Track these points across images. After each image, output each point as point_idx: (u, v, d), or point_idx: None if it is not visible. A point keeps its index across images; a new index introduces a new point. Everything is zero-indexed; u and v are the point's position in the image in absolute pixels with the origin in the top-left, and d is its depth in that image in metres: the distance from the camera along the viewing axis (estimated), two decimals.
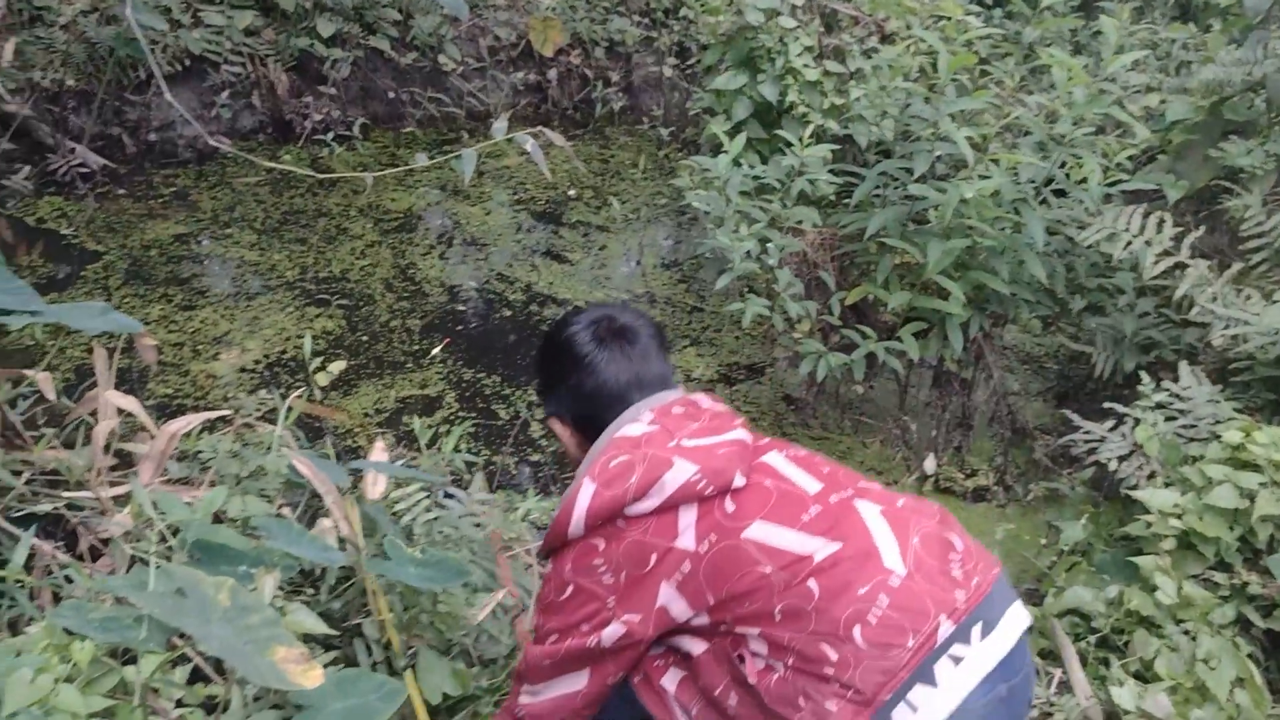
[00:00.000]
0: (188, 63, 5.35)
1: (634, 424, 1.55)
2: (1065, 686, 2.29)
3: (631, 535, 1.43)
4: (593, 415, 1.62)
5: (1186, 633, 2.27)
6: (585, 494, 1.46)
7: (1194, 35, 5.08)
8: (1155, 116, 4.47)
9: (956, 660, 1.32)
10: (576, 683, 1.52)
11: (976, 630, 1.35)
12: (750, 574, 1.38)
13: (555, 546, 1.52)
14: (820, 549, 1.38)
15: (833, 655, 1.31)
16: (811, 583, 1.36)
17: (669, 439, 1.49)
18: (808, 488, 1.47)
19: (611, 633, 1.45)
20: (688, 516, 1.43)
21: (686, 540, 1.42)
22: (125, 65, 5.20)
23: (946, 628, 1.32)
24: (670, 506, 1.43)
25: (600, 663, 1.49)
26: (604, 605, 1.45)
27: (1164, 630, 2.29)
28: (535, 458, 3.54)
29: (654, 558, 1.42)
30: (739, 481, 1.46)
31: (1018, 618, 1.42)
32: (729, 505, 1.44)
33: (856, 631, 1.31)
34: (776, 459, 1.53)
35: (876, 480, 1.58)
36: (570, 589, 1.48)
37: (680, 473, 1.42)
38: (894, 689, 1.29)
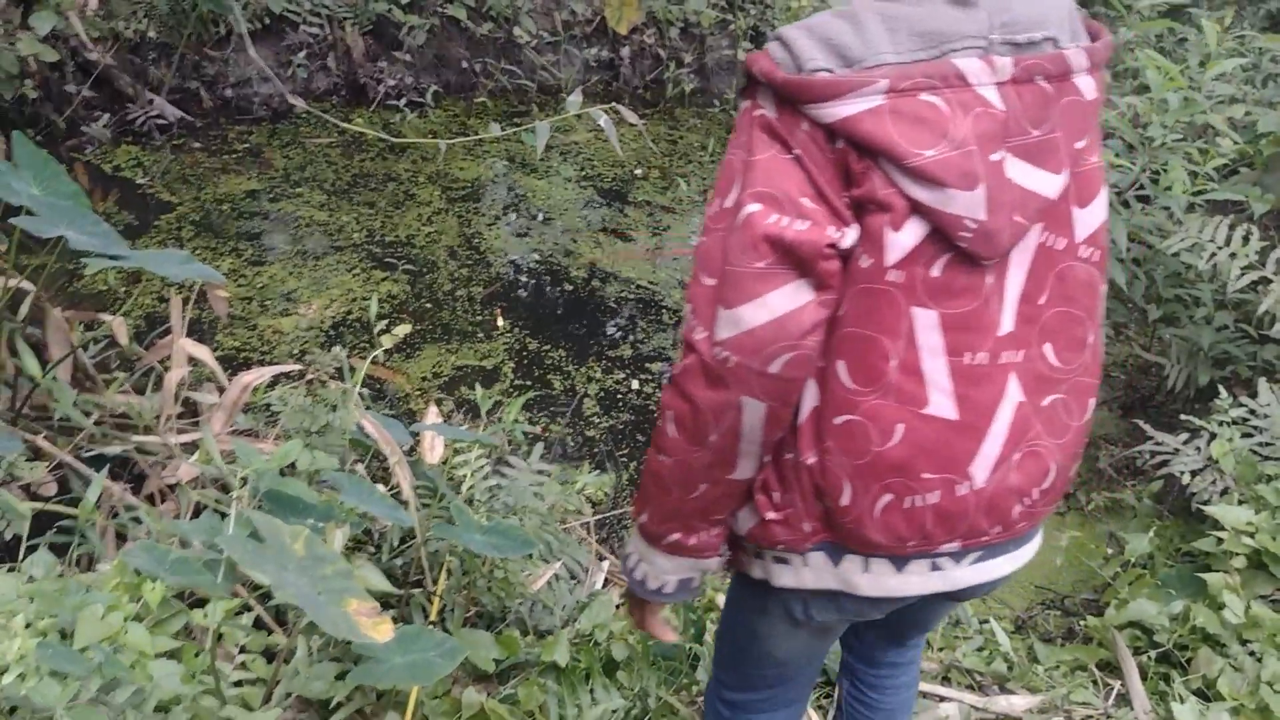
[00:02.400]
0: (267, 21, 5.39)
1: None
2: (1123, 699, 2.25)
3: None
4: None
5: (1252, 653, 2.22)
6: None
7: None
8: (1241, 128, 4.36)
9: (935, 566, 1.23)
10: None
11: (973, 556, 1.24)
12: (877, 346, 1.11)
13: None
14: (939, 402, 1.13)
15: (845, 500, 1.16)
16: (900, 427, 1.13)
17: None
18: (1002, 324, 1.14)
19: None
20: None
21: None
22: (206, 20, 5.26)
23: (953, 546, 1.20)
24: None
25: None
26: None
27: (1229, 649, 2.24)
28: (590, 433, 3.54)
29: None
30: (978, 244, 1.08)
31: (1016, 559, 1.29)
32: (936, 269, 1.09)
33: (882, 501, 1.15)
34: (1022, 254, 1.14)
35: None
36: None
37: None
38: (865, 553, 1.21)
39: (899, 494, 1.15)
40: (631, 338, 4.12)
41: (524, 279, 4.45)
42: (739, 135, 1.11)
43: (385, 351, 3.72)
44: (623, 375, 3.87)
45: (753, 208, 1.05)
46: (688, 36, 6.67)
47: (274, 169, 4.96)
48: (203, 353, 2.61)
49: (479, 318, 4.09)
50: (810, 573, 1.24)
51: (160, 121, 5.04)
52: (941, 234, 1.07)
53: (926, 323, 1.10)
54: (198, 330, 3.67)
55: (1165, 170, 3.15)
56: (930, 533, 1.17)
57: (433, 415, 3.08)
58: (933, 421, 1.12)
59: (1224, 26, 3.39)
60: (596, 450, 3.46)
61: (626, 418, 3.64)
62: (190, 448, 2.56)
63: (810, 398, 1.16)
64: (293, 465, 2.03)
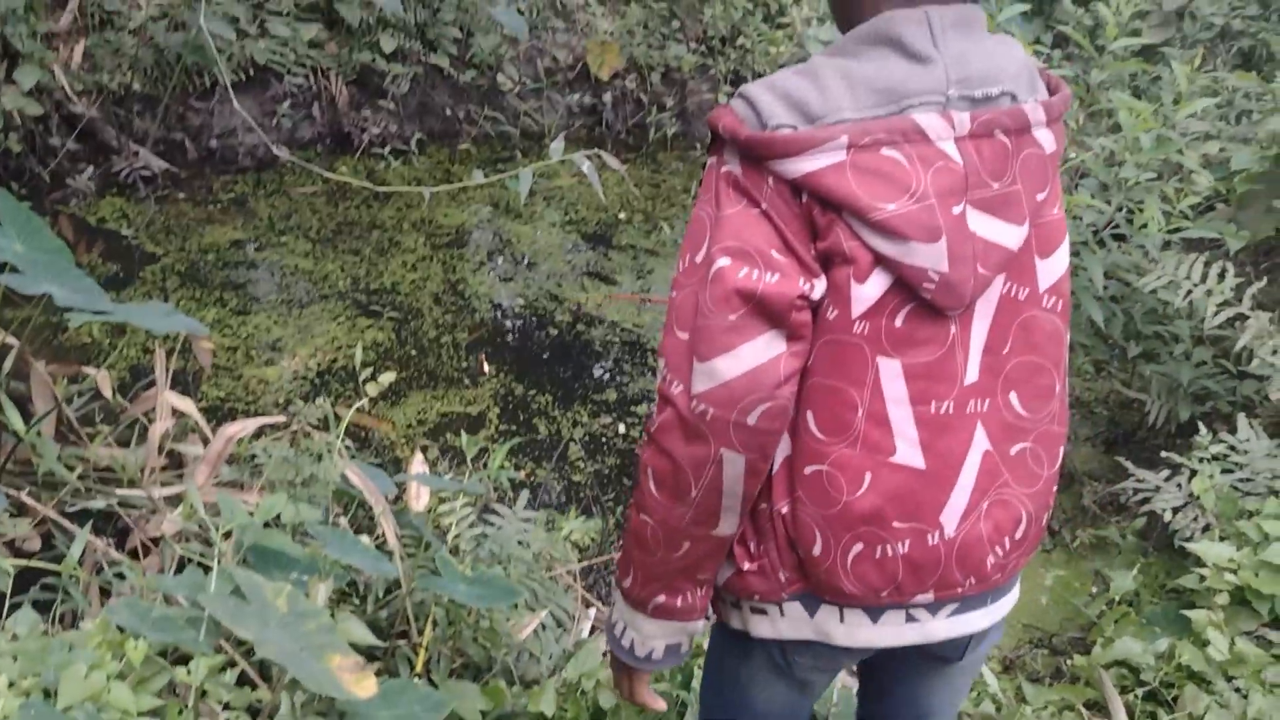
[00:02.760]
0: (252, 72, 5.44)
1: (905, 49, 1.08)
2: None
3: None
4: None
5: (1238, 690, 2.23)
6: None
7: (1258, 84, 5.04)
8: (1215, 164, 4.43)
9: (910, 617, 1.23)
10: None
11: (948, 609, 1.24)
12: (844, 396, 1.13)
13: None
14: (906, 451, 1.13)
15: (817, 550, 1.17)
16: (868, 476, 1.13)
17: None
18: (968, 374, 1.14)
19: None
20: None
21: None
22: (191, 72, 5.30)
23: (927, 597, 1.20)
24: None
25: None
26: None
27: (1215, 686, 2.25)
28: (576, 478, 3.55)
29: None
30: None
31: (992, 613, 1.29)
32: (899, 320, 1.11)
33: (854, 550, 1.16)
34: (986, 304, 1.15)
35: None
36: None
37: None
38: (840, 603, 1.21)
39: (870, 543, 1.16)
40: (617, 381, 4.14)
41: (509, 324, 4.47)
42: (706, 191, 1.13)
43: (370, 399, 3.73)
44: (609, 419, 3.88)
45: (723, 262, 1.07)
46: (669, 81, 6.75)
47: (259, 218, 4.98)
48: (186, 405, 2.62)
49: (464, 364, 4.10)
50: (787, 623, 1.24)
51: (145, 173, 5.07)
52: (905, 285, 1.08)
53: (891, 372, 1.11)
54: (183, 380, 3.67)
55: (1140, 209, 3.19)
56: (902, 583, 1.18)
57: (418, 463, 3.08)
58: (900, 470, 1.14)
59: (1195, 66, 3.45)
60: (583, 495, 3.46)
61: (612, 462, 3.65)
62: (175, 500, 2.55)
63: (783, 447, 1.17)
64: (277, 517, 2.04)
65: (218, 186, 5.23)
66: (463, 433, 3.36)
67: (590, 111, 6.72)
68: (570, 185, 5.83)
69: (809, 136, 1.04)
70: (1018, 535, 1.22)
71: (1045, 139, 1.15)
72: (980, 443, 1.17)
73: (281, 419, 2.65)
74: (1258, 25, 6.62)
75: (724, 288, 1.06)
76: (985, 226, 1.10)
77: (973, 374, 1.16)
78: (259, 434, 2.87)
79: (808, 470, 1.15)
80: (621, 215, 5.60)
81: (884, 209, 1.04)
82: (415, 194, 5.12)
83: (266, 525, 2.03)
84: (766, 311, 1.06)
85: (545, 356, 4.27)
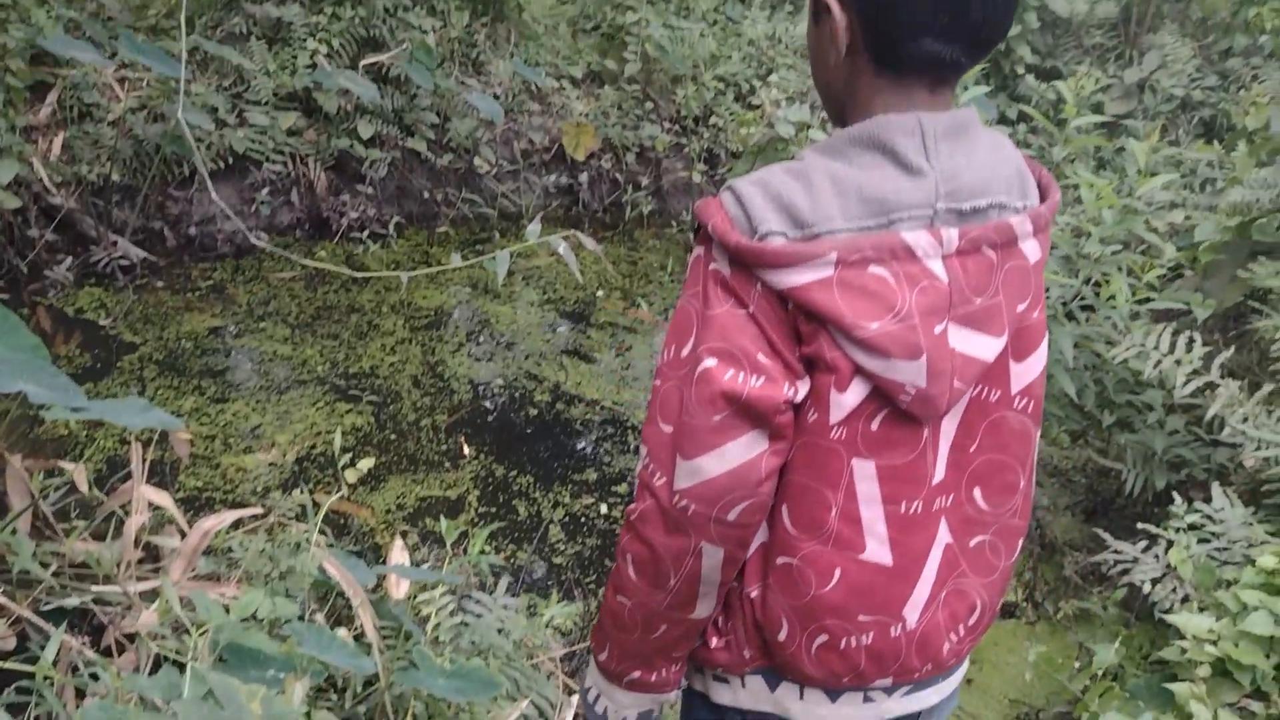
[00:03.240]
0: (230, 160, 5.49)
1: (892, 163, 1.08)
2: None
3: None
4: (890, 31, 1.08)
5: None
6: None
7: (1220, 154, 5.16)
8: (1181, 233, 4.51)
9: (867, 698, 1.25)
10: None
11: (903, 690, 1.27)
12: (820, 497, 1.14)
13: None
14: (875, 549, 1.16)
15: (783, 636, 1.19)
16: (838, 572, 1.15)
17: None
18: (935, 473, 1.16)
19: None
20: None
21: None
22: (170, 161, 5.35)
23: (885, 682, 1.23)
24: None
25: None
26: None
27: None
28: (557, 560, 3.53)
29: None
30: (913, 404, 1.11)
31: (943, 689, 1.31)
32: (875, 424, 1.12)
33: (819, 640, 1.18)
34: (955, 410, 1.16)
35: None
36: None
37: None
38: (800, 683, 1.24)
39: (835, 634, 1.18)
40: (598, 460, 4.14)
41: (488, 405, 4.47)
42: (693, 285, 1.13)
43: (350, 485, 3.72)
44: (590, 499, 3.88)
45: (710, 363, 1.08)
46: (644, 160, 6.85)
47: (237, 305, 5.00)
48: (163, 499, 2.60)
49: (444, 446, 4.10)
50: (747, 694, 1.27)
51: (124, 262, 5.08)
52: (883, 393, 1.10)
53: (865, 473, 1.13)
54: (161, 470, 3.65)
55: (1107, 281, 3.25)
56: (864, 671, 1.20)
57: (398, 549, 3.07)
58: (868, 567, 1.16)
59: (1154, 139, 3.54)
60: (564, 578, 3.44)
61: (594, 543, 3.63)
62: (151, 595, 2.53)
63: (761, 534, 1.20)
64: (254, 613, 2.02)
65: (196, 274, 5.25)
66: (442, 518, 3.35)
67: (567, 191, 6.80)
68: (548, 264, 5.89)
69: (798, 251, 1.04)
70: (971, 622, 1.26)
71: (1030, 249, 1.15)
72: (943, 536, 1.20)
73: (259, 510, 2.64)
74: (1217, 95, 6.80)
75: (710, 389, 1.07)
76: (965, 342, 1.11)
77: (940, 472, 1.17)
78: (237, 524, 2.86)
79: (779, 560, 1.18)
80: (599, 293, 5.65)
81: (868, 327, 1.05)
82: (394, 277, 5.16)
83: (243, 621, 2.02)
84: (751, 413, 1.07)
85: (525, 436, 4.27)
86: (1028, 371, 1.21)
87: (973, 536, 1.22)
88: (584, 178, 6.75)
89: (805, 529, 1.15)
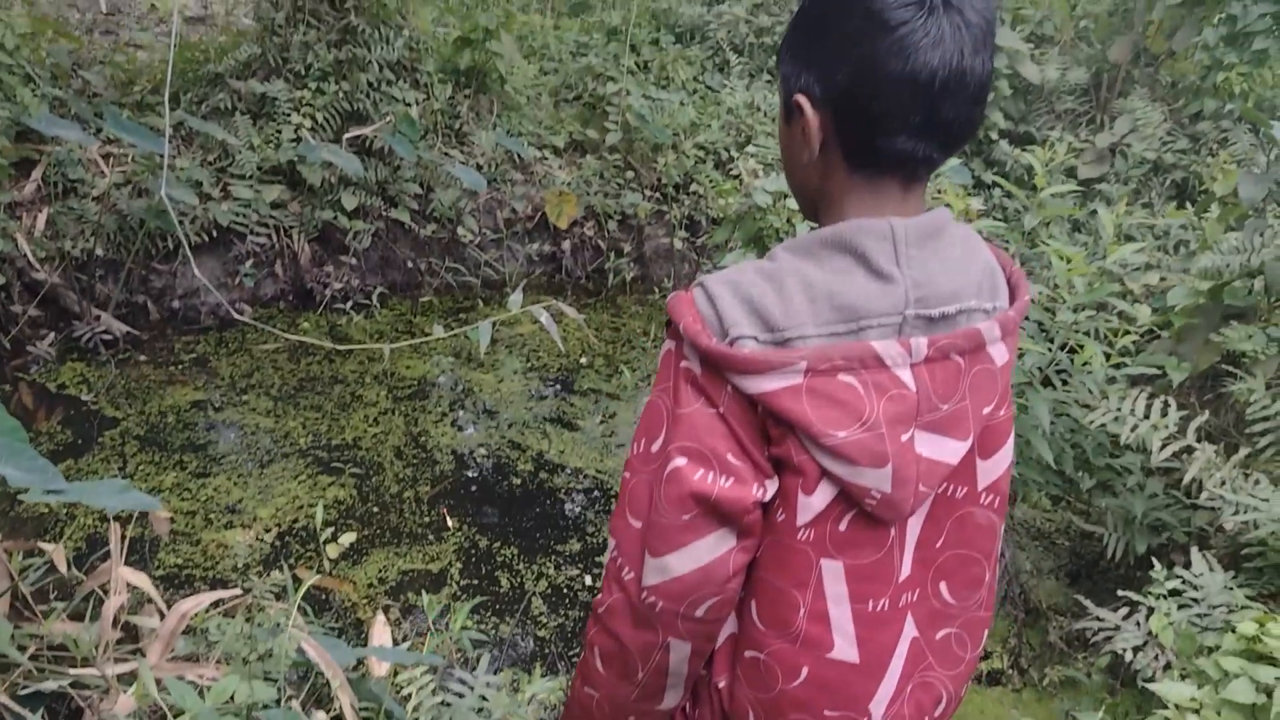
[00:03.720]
0: (215, 233, 5.53)
1: (863, 266, 1.08)
2: None
3: None
4: (863, 130, 1.08)
5: None
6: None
7: (1191, 218, 5.25)
8: (1155, 294, 4.57)
9: None
10: None
11: None
12: (788, 597, 1.15)
13: None
14: (843, 647, 1.16)
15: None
16: (805, 669, 1.16)
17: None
18: (901, 570, 1.17)
19: None
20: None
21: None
22: (154, 235, 5.38)
23: None
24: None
25: None
26: None
27: None
28: (541, 633, 3.51)
29: None
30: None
31: None
32: (843, 525, 1.13)
33: None
34: (921, 510, 1.17)
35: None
36: None
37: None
38: None
39: None
40: (581, 529, 4.13)
41: (471, 475, 4.47)
42: (664, 380, 1.14)
43: (331, 560, 3.71)
44: (574, 571, 3.86)
45: (679, 462, 1.08)
46: (625, 227, 6.92)
47: (220, 377, 5.00)
48: (141, 580, 2.59)
49: (427, 519, 4.08)
50: None
51: (106, 337, 5.09)
52: (849, 496, 1.10)
53: (833, 573, 1.13)
54: (140, 547, 3.63)
55: (1081, 347, 3.29)
56: None
57: (380, 624, 3.05)
58: (836, 665, 1.17)
59: (1124, 206, 3.60)
60: (548, 651, 3.42)
61: (576, 615, 3.61)
62: (129, 678, 2.51)
63: (729, 624, 1.20)
64: (232, 696, 2.00)
65: (179, 347, 5.25)
66: (424, 592, 3.34)
67: (550, 259, 6.86)
68: (531, 332, 5.92)
69: (768, 359, 1.04)
70: (938, 713, 1.27)
71: (998, 353, 1.15)
72: (909, 631, 1.20)
73: (238, 592, 2.62)
74: (1189, 158, 6.92)
75: (679, 489, 1.08)
76: (931, 447, 1.11)
77: (907, 569, 1.17)
78: (217, 603, 2.84)
79: (747, 654, 1.18)
80: (583, 360, 5.67)
81: (835, 435, 1.05)
82: (377, 348, 5.18)
83: (221, 706, 2.00)
84: (720, 513, 1.08)
85: (509, 506, 4.26)
86: (994, 468, 1.21)
87: (939, 629, 1.23)
88: (567, 245, 6.81)
89: (773, 627, 1.16)
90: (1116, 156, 7.00)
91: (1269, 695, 2.32)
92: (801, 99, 1.10)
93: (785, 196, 4.41)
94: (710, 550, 1.09)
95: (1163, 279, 4.63)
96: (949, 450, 1.12)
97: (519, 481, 4.44)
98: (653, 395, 1.16)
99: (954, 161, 3.58)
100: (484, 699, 2.44)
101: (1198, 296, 3.75)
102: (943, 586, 1.22)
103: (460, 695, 2.46)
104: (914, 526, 1.17)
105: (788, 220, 4.40)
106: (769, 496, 1.10)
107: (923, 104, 1.03)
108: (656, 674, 1.17)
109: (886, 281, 1.07)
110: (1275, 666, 2.37)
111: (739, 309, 1.07)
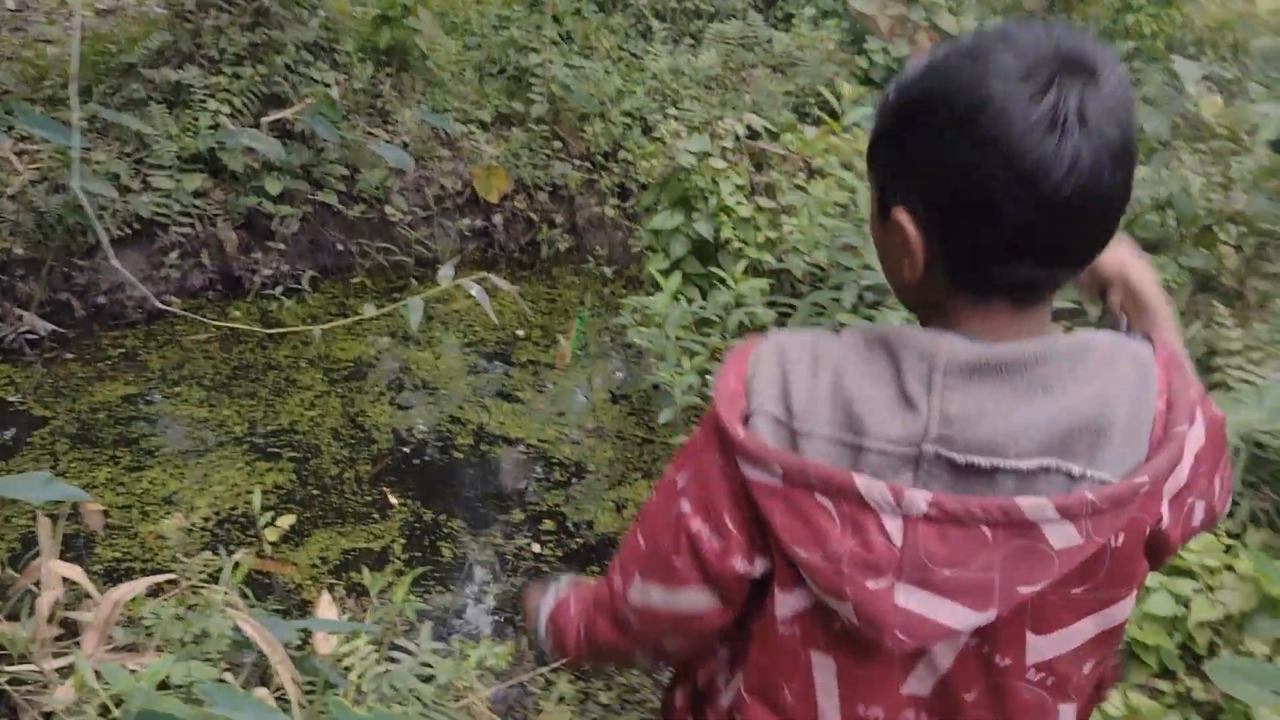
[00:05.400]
0: (136, 225, 5.44)
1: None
2: None
3: None
4: (976, 259, 0.92)
5: None
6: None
7: None
8: None
9: None
10: None
11: None
12: (775, 682, 1.09)
13: None
14: None
15: None
16: None
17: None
18: (907, 686, 1.07)
19: None
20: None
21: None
22: (74, 231, 5.28)
23: None
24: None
25: None
26: None
27: None
28: (488, 601, 3.53)
29: None
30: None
31: None
32: (837, 624, 1.03)
33: None
34: (944, 650, 1.03)
35: None
36: None
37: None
38: None
39: None
40: (524, 498, 4.15)
41: (412, 452, 4.47)
42: (709, 422, 1.05)
43: (273, 543, 3.69)
44: (522, 540, 3.89)
45: (685, 507, 1.05)
46: (557, 199, 6.91)
47: (151, 371, 4.94)
48: (74, 572, 2.57)
49: (368, 498, 4.08)
50: None
51: (31, 336, 5.00)
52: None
53: (824, 668, 1.06)
54: (76, 545, 3.59)
55: None
56: None
57: (325, 604, 3.05)
58: None
59: None
60: (495, 618, 3.45)
61: (523, 581, 3.64)
62: (68, 671, 2.49)
63: (736, 680, 1.18)
64: (168, 680, 2.00)
65: (107, 343, 5.18)
66: (364, 568, 3.34)
67: (482, 234, 6.83)
68: (467, 307, 5.90)
69: (755, 450, 0.97)
70: None
71: (1059, 536, 0.90)
72: None
73: (172, 576, 2.61)
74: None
75: (680, 528, 1.06)
76: (921, 603, 0.94)
77: (918, 688, 1.04)
78: (156, 593, 2.82)
79: (735, 716, 1.16)
80: (519, 332, 5.67)
81: (797, 552, 0.96)
82: (309, 331, 5.15)
83: (161, 687, 2.00)
84: (705, 571, 1.05)
85: (451, 481, 4.27)
86: (1052, 648, 1.02)
87: None
88: (498, 219, 6.79)
89: (762, 701, 1.12)
90: None
91: (1187, 606, 2.41)
92: (902, 216, 0.94)
93: (708, 156, 4.44)
94: (690, 602, 1.08)
95: None
96: (949, 613, 0.94)
97: (461, 455, 4.45)
98: (700, 428, 1.09)
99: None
100: (427, 665, 2.46)
101: None
102: None
103: (400, 664, 2.47)
104: (943, 654, 1.02)
105: (712, 180, 4.43)
106: (758, 574, 1.04)
107: (1054, 234, 0.88)
108: (624, 660, 1.22)
109: (908, 407, 0.92)
110: (1193, 579, 2.47)
111: (771, 384, 0.99)
